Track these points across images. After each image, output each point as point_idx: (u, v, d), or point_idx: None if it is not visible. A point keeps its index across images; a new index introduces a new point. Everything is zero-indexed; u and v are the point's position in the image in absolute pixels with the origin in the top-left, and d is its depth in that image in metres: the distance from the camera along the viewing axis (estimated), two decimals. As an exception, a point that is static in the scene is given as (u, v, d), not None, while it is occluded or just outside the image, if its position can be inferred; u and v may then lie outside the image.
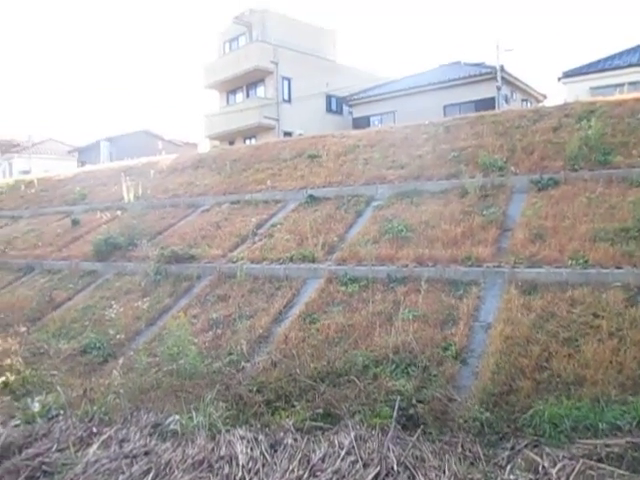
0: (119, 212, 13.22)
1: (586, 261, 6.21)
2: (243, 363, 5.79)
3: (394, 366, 5.18)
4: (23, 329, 7.86)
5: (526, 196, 8.63)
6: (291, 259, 8.17)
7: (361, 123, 25.45)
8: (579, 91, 19.45)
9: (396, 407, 4.41)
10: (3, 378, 6.13)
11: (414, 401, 4.55)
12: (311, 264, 7.92)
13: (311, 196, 10.84)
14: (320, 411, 4.66)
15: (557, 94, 37.27)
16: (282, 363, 5.56)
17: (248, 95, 30.02)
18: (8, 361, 6.62)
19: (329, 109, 30.13)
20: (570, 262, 6.27)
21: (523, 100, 26.35)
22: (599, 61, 23.13)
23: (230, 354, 6.02)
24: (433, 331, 5.65)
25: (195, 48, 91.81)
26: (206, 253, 9.21)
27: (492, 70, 23.72)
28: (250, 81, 29.29)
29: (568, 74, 23.27)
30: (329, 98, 29.89)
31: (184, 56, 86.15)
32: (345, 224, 9.24)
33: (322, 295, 7.03)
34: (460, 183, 9.41)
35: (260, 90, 29.13)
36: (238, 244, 9.45)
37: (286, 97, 28.64)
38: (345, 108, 29.44)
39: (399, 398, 4.54)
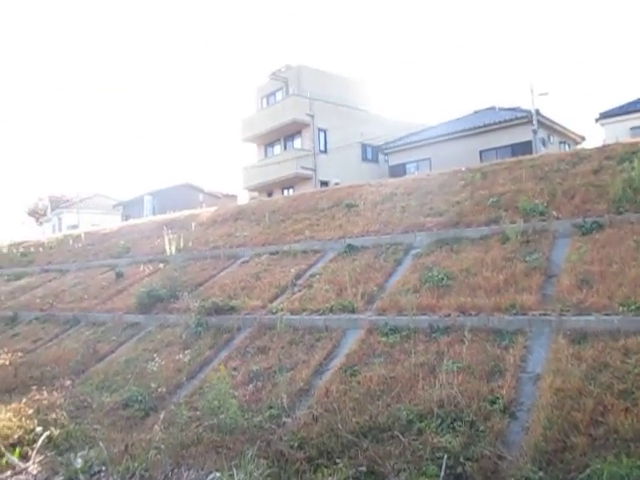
0: (161, 265, 13.52)
1: (638, 307, 5.94)
2: (284, 418, 5.69)
3: (439, 421, 4.99)
4: (68, 382, 7.99)
5: (570, 241, 8.41)
6: (331, 310, 8.11)
7: (397, 171, 25.65)
8: (618, 132, 19.20)
9: (443, 465, 4.23)
10: (48, 432, 6.20)
11: (462, 459, 4.34)
12: (351, 314, 7.84)
13: (349, 245, 10.85)
14: (363, 469, 4.50)
15: (595, 135, 36.77)
16: (323, 417, 5.44)
17: (285, 147, 30.81)
18: (53, 415, 6.72)
19: (365, 158, 30.56)
20: (621, 309, 6.01)
21: (561, 142, 26.12)
22: (638, 101, 22.86)
23: (270, 408, 5.93)
24: (479, 383, 5.45)
25: (234, 103, 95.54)
26: (246, 304, 9.26)
27: (527, 114, 23.70)
28: (287, 133, 30.14)
29: (606, 115, 23.05)
30: (364, 147, 30.36)
31: (223, 111, 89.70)
32: (384, 273, 9.17)
33: (363, 346, 6.92)
34: (500, 229, 9.26)
35: (297, 142, 29.89)
36: (277, 295, 9.47)
37: (322, 148, 29.26)
38: (381, 156, 29.81)
39: (446, 456, 4.35)
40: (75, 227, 37.61)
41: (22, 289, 15.35)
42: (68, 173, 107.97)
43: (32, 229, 55.62)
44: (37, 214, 57.24)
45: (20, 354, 10.01)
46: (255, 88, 33.58)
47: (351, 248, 10.76)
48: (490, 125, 24.31)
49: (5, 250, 21.36)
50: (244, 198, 31.75)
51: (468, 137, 24.53)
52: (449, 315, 6.94)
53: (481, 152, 23.70)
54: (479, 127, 24.53)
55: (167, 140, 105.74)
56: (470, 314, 6.85)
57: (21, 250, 20.84)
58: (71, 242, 19.51)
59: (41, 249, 20.09)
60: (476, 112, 28.33)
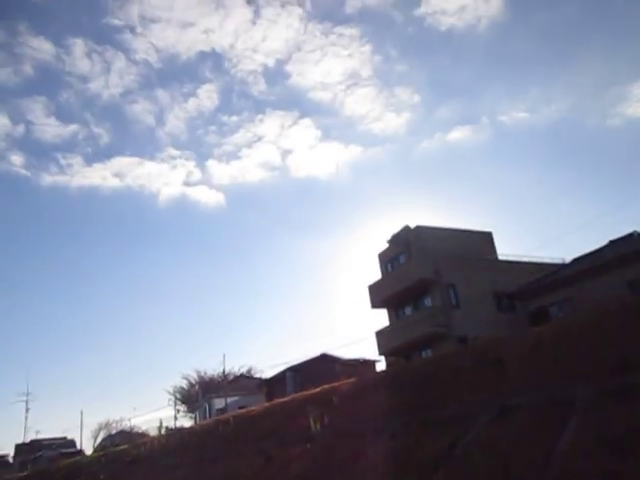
0: (308, 445, 13.27)
1: None
2: None
3: None
4: None
5: None
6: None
7: (537, 316, 24.11)
8: None
9: None
10: None
11: None
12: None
13: (503, 406, 9.98)
14: None
15: None
16: None
17: (416, 307, 30.66)
18: None
19: (499, 307, 29.31)
20: None
21: None
22: None
23: None
24: None
25: (359, 272, 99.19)
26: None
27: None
28: (416, 293, 30.18)
29: None
30: (497, 296, 29.30)
31: (350, 280, 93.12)
32: (549, 434, 8.17)
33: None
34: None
35: (427, 300, 29.70)
36: (433, 470, 8.74)
37: (454, 302, 28.69)
38: (517, 303, 28.42)
39: None
40: (223, 411, 38.87)
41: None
42: (213, 353, 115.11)
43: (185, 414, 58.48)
44: (189, 401, 60.29)
45: None
46: (378, 254, 34.84)
47: (505, 409, 9.87)
48: (636, 253, 22.52)
49: (163, 440, 22.39)
50: (381, 364, 31.24)
51: (611, 269, 22.82)
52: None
53: (630, 283, 21.72)
54: (622, 256, 22.81)
55: (301, 313, 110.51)
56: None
57: (177, 437, 21.71)
58: (221, 428, 20.04)
59: (195, 437, 20.79)
60: (612, 242, 26.65)
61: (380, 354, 32.47)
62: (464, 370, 12.92)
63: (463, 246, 30.61)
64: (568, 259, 28.96)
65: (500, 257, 32.32)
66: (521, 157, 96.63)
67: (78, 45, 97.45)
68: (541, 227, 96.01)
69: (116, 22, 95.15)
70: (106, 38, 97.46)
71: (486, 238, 33.10)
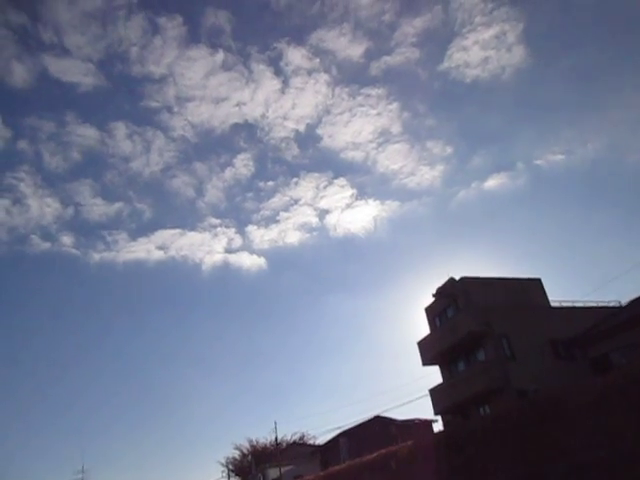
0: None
1: None
2: None
3: None
4: None
5: None
6: None
7: (599, 363, 22.87)
8: None
9: None
10: None
11: None
12: None
13: (572, 465, 9.41)
14: None
15: None
16: None
17: (469, 362, 29.65)
18: None
19: (557, 355, 27.98)
20: None
21: None
22: None
23: None
24: None
25: (407, 328, 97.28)
26: None
27: None
28: (467, 347, 29.26)
29: None
30: (554, 343, 28.04)
31: (398, 337, 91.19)
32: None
33: None
34: None
35: (480, 354, 28.71)
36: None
37: (508, 354, 27.62)
38: (576, 350, 27.11)
39: None
40: (278, 481, 37.76)
41: None
42: (264, 421, 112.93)
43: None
44: (243, 472, 58.98)
45: None
46: (424, 309, 34.21)
47: (574, 468, 9.29)
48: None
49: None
50: (438, 424, 30.06)
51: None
52: None
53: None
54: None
55: (350, 373, 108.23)
56: None
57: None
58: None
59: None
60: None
61: (436, 413, 31.29)
62: (527, 426, 12.30)
63: (512, 295, 29.77)
64: (624, 301, 27.72)
65: (552, 303, 31.21)
66: (561, 199, 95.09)
67: (120, 128, 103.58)
68: (590, 270, 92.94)
69: (154, 104, 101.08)
70: (145, 119, 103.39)
71: (535, 285, 32.10)
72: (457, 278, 31.32)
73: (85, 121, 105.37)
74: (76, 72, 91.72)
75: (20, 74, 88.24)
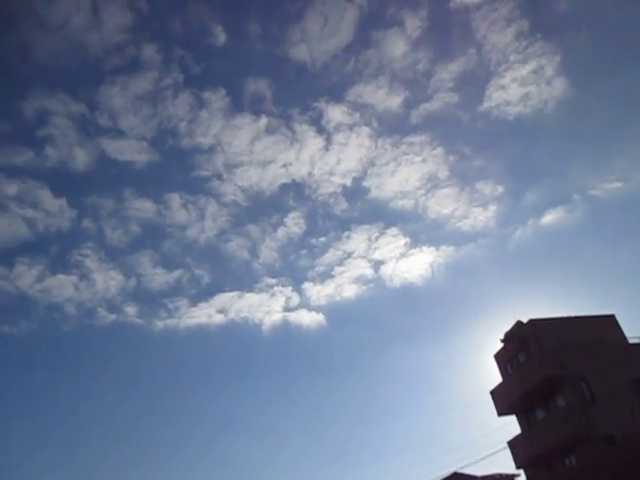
0: None
1: None
2: None
3: None
4: None
5: None
6: None
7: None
8: None
9: None
10: None
11: None
12: None
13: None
14: None
15: None
16: None
17: (548, 409, 28.02)
18: None
19: (643, 397, 26.13)
20: None
21: None
22: None
23: None
24: None
25: (476, 377, 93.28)
26: None
27: None
28: (544, 394, 27.74)
29: None
30: (638, 383, 26.25)
31: (467, 387, 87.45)
32: None
33: None
34: None
35: (559, 399, 27.12)
36: None
37: (589, 398, 25.98)
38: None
39: None
40: None
41: None
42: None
43: None
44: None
45: None
46: (493, 356, 32.88)
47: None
48: None
49: None
50: (521, 478, 28.26)
51: None
52: None
53: None
54: None
55: (421, 428, 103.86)
56: None
57: None
58: None
59: None
60: None
61: (517, 467, 29.44)
62: (622, 476, 11.46)
63: (585, 334, 28.28)
64: None
65: (631, 340, 29.42)
66: (624, 227, 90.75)
67: (174, 199, 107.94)
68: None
69: (204, 173, 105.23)
70: (197, 188, 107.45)
71: (609, 321, 30.41)
72: (525, 321, 30.15)
73: (142, 195, 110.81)
74: (131, 151, 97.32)
75: (81, 158, 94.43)
